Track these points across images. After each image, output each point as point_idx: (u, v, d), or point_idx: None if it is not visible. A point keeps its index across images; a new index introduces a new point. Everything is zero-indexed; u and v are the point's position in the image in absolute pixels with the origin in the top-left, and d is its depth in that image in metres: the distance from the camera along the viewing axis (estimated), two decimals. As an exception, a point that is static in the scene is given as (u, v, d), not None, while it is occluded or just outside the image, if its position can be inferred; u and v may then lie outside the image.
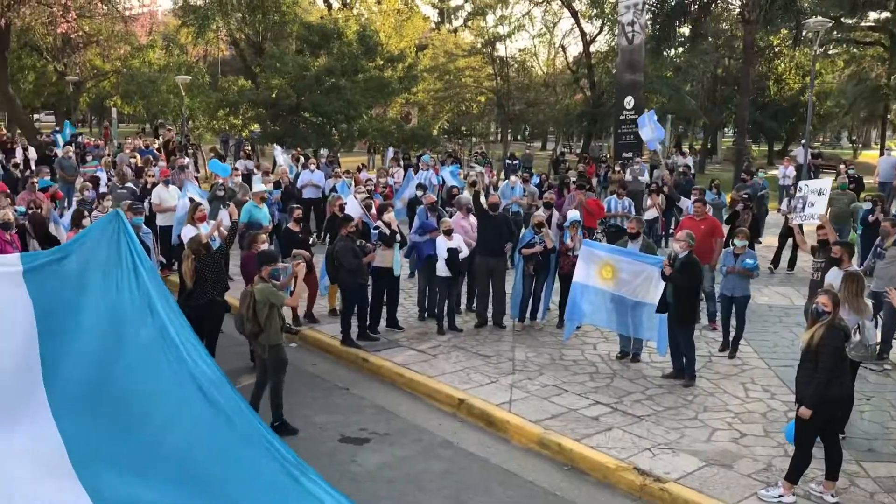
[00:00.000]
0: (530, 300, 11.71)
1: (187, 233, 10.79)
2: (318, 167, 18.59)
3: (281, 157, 21.64)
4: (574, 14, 37.40)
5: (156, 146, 26.05)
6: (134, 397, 5.82)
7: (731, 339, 10.59)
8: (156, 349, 5.84)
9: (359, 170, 20.85)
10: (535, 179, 18.89)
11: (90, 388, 5.96)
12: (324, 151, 24.64)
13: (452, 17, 48.96)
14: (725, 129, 53.98)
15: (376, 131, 26.44)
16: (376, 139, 27.91)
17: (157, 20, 33.56)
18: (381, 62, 27.09)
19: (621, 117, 25.69)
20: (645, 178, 20.41)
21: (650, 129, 17.79)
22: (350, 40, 26.21)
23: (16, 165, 20.97)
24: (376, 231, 11.24)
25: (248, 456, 5.28)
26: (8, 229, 10.15)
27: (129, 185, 16.17)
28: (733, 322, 10.52)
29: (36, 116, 39.04)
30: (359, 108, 24.85)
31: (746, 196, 14.35)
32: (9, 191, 14.06)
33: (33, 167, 20.55)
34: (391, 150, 26.61)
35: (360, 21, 28.53)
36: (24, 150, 24.51)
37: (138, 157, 21.47)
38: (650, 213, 16.24)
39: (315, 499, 5.05)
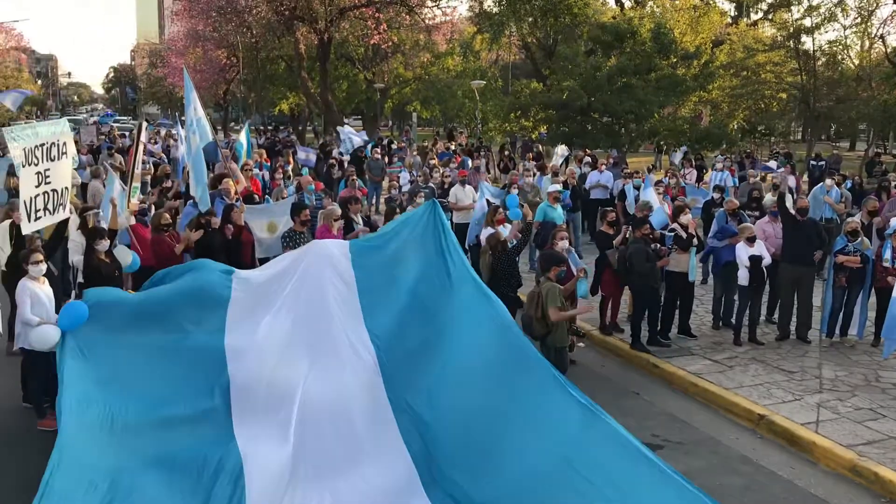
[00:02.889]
0: (840, 314, 10.71)
1: (486, 234, 11.18)
2: (606, 168, 18.51)
3: (559, 156, 21.82)
4: (898, -1, 33.47)
5: (452, 148, 27.47)
6: (452, 362, 6.41)
7: None
8: (466, 319, 6.31)
9: (649, 171, 20.41)
10: (848, 183, 17.24)
11: (412, 354, 6.59)
12: (610, 151, 24.51)
13: (751, 10, 46.12)
14: None
15: (667, 131, 25.72)
16: (667, 139, 27.11)
17: (457, 28, 35.39)
18: (675, 60, 26.28)
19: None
20: None
21: None
22: (643, 39, 25.72)
23: (332, 165, 23.27)
24: (671, 234, 10.92)
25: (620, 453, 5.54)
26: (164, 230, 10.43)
27: (431, 184, 17.24)
28: None
29: (346, 121, 43.18)
30: (650, 108, 24.30)
31: None
32: (327, 189, 15.65)
33: (346, 166, 22.61)
34: (682, 149, 25.73)
35: (655, 19, 27.86)
36: (340, 152, 27.07)
37: (437, 159, 22.79)
38: None
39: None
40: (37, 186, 7.63)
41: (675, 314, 11.08)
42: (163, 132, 30.93)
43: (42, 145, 7.65)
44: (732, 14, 44.31)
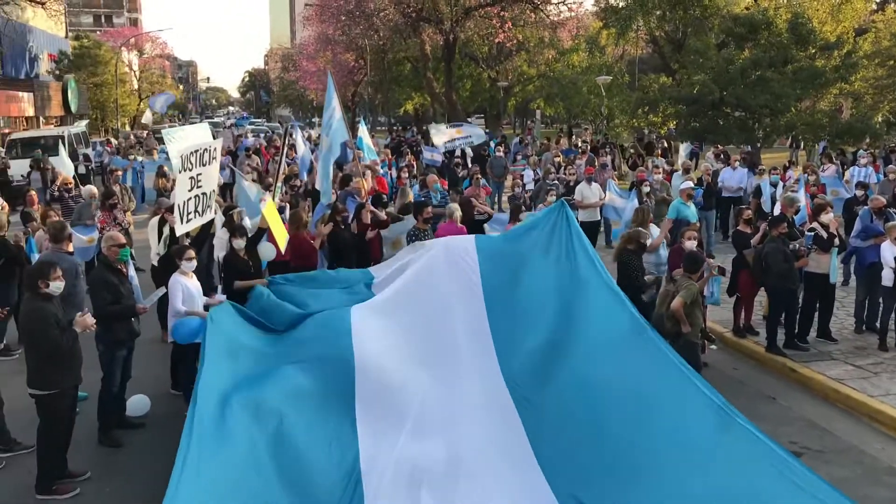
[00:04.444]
0: None
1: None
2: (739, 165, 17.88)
3: (684, 153, 21.22)
4: None
5: (577, 145, 27.22)
6: (581, 358, 6.36)
7: None
8: (597, 316, 6.27)
9: (785, 168, 19.56)
10: None
11: (535, 353, 6.54)
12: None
13: (900, -6, 43.25)
14: None
15: (805, 125, 24.47)
16: (805, 133, 25.83)
17: (582, 23, 35.01)
18: (814, 51, 24.98)
19: None
20: None
21: None
22: (780, 29, 24.60)
23: (457, 165, 23.53)
24: (811, 234, 10.44)
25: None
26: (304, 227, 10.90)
27: (556, 181, 17.16)
28: None
29: (469, 120, 43.68)
30: (787, 101, 23.20)
31: None
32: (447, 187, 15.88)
33: (469, 165, 22.79)
34: (821, 144, 24.47)
35: (792, 8, 26.62)
36: (462, 151, 27.32)
37: (562, 156, 22.64)
38: None
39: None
40: (189, 190, 8.14)
41: (815, 317, 10.58)
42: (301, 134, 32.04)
43: (196, 151, 8.14)
44: (878, 0, 41.73)
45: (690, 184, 13.88)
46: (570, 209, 7.47)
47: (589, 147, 25.24)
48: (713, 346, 10.52)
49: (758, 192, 15.54)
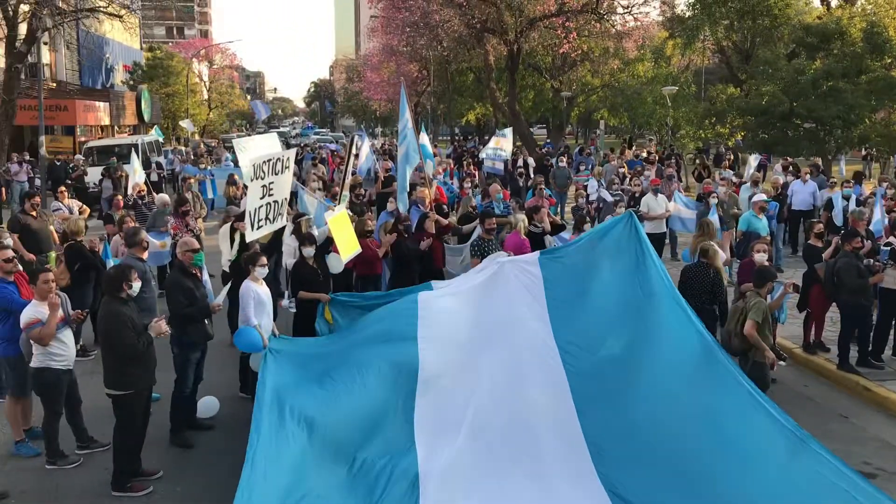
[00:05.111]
0: None
1: None
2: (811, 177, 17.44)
3: (752, 165, 20.81)
4: None
5: (644, 155, 26.94)
6: (646, 373, 6.28)
7: None
8: (666, 329, 6.21)
9: (859, 181, 18.98)
10: None
11: (603, 367, 6.51)
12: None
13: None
14: None
15: (880, 137, 23.77)
16: (880, 146, 25.09)
17: (649, 33, 34.64)
18: (890, 60, 24.29)
19: None
20: None
21: None
22: (853, 39, 23.98)
23: (520, 174, 23.57)
24: (887, 248, 10.14)
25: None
26: (367, 236, 10.96)
27: (620, 192, 17.03)
28: None
29: (531, 129, 43.65)
30: (861, 113, 22.58)
31: None
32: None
33: (532, 175, 22.75)
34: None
35: (866, 17, 25.90)
36: (525, 161, 27.31)
37: (626, 167, 22.44)
38: None
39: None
40: (261, 198, 8.33)
41: (891, 334, 10.26)
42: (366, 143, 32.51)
43: (269, 160, 8.34)
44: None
45: (764, 196, 13.63)
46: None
47: (656, 158, 24.99)
48: (783, 363, 10.28)
49: (829, 205, 15.17)
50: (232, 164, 26.24)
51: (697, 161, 27.43)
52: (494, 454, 6.22)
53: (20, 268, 8.46)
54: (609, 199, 15.88)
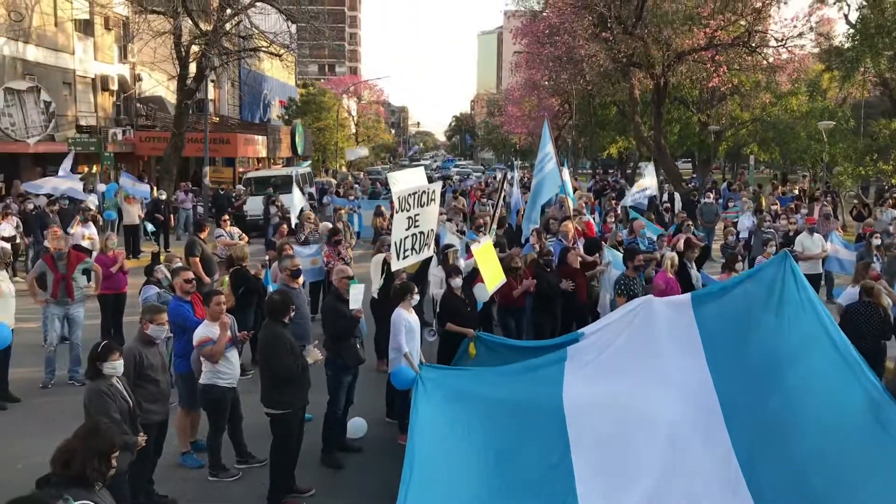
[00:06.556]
0: None
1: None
2: None
3: None
4: None
5: (796, 192, 25.86)
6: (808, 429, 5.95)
7: None
8: (830, 380, 5.93)
9: None
10: None
11: (758, 412, 6.21)
12: None
13: None
14: None
15: None
16: None
17: (803, 66, 33.20)
18: None
19: None
20: None
21: None
22: None
23: (666, 210, 23.11)
24: None
25: None
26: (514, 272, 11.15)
27: (771, 229, 16.43)
28: None
29: (676, 164, 42.60)
30: None
31: None
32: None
33: (677, 210, 22.21)
34: None
35: None
36: (671, 195, 26.70)
37: (778, 204, 21.59)
38: None
39: None
40: (406, 229, 8.65)
41: None
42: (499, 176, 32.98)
43: (414, 193, 8.66)
44: None
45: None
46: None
47: (807, 195, 23.91)
48: None
49: None
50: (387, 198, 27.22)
51: (856, 200, 26.01)
52: None
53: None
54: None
